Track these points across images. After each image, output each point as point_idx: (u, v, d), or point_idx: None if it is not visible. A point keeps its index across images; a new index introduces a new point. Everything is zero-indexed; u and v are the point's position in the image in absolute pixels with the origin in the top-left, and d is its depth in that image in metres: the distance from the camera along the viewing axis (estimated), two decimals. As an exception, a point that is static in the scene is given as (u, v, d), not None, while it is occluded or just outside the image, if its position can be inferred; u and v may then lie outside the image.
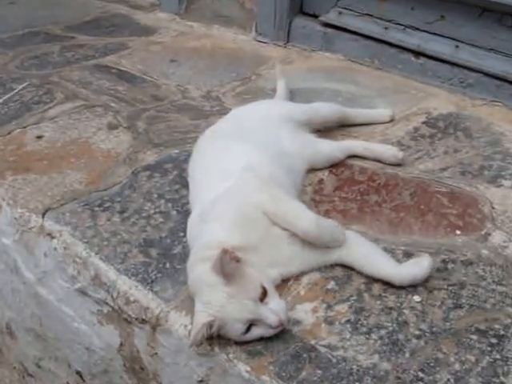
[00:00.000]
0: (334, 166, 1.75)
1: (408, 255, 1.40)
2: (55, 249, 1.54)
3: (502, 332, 1.21)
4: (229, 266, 1.16)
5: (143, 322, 1.35)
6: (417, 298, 1.29)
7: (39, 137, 1.96)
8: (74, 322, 1.57)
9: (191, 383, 1.30)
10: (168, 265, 1.42)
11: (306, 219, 1.32)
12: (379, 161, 1.76)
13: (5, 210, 1.67)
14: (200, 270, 1.21)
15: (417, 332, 1.21)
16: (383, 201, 1.61)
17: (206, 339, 1.18)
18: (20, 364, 1.95)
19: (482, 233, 1.50)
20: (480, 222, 1.54)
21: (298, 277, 1.35)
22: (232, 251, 1.17)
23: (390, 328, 1.22)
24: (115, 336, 1.46)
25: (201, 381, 1.27)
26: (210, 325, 1.16)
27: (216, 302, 1.17)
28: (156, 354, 1.36)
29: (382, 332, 1.21)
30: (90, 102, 2.19)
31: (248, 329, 1.17)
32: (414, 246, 1.44)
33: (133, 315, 1.37)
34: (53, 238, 1.55)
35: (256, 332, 1.18)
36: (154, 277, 1.39)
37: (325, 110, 1.86)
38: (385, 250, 1.40)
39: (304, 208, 1.35)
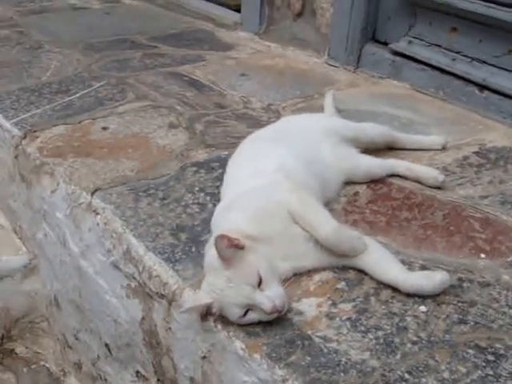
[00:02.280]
0: (374, 181, 1.79)
1: (425, 269, 1.43)
2: (97, 224, 1.67)
3: (501, 351, 1.21)
4: (225, 251, 1.23)
5: (161, 296, 1.44)
6: (423, 308, 1.31)
7: (105, 128, 2.12)
8: (107, 294, 1.68)
9: (196, 359, 1.38)
10: (194, 249, 1.51)
11: (327, 226, 1.37)
12: (420, 182, 1.79)
13: (61, 186, 1.82)
14: (212, 252, 1.28)
15: (414, 338, 1.23)
16: (413, 218, 1.64)
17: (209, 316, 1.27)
18: (62, 335, 2.09)
19: (508, 259, 1.50)
20: (508, 250, 1.53)
21: (310, 273, 1.40)
22: (234, 238, 1.25)
23: (389, 331, 1.25)
24: (139, 310, 1.56)
25: (204, 357, 1.34)
26: (209, 306, 1.25)
27: (217, 284, 1.25)
28: (170, 328, 1.45)
29: (380, 333, 1.24)
30: (158, 103, 2.34)
31: (246, 313, 1.24)
32: (434, 261, 1.46)
33: (153, 289, 1.47)
34: (97, 214, 1.68)
35: (252, 316, 1.24)
36: (178, 257, 1.48)
37: (372, 130, 1.90)
38: (403, 261, 1.43)
39: (328, 215, 1.41)
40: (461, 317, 1.29)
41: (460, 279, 1.41)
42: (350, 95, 2.48)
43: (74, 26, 3.36)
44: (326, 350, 1.20)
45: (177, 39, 3.16)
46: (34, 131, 2.09)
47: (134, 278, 1.55)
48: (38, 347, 2.21)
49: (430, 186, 1.78)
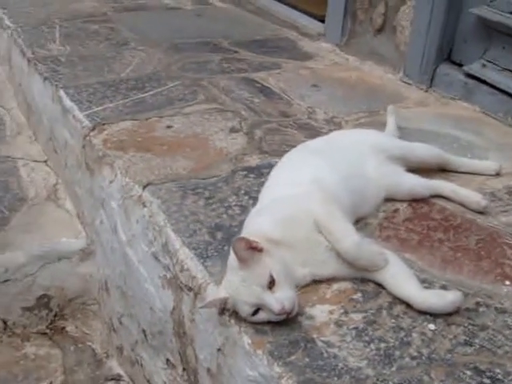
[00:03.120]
0: (417, 200, 1.86)
1: (444, 290, 1.49)
2: (144, 216, 1.83)
3: (499, 376, 1.26)
4: (241, 252, 1.35)
5: (190, 289, 1.58)
6: (432, 326, 1.38)
7: (169, 126, 2.30)
8: (146, 282, 1.84)
9: (213, 352, 1.50)
10: (226, 247, 1.63)
11: (349, 240, 1.46)
12: (463, 205, 1.84)
13: (118, 178, 2.00)
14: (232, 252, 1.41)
15: (415, 353, 1.30)
16: (447, 239, 1.69)
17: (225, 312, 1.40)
18: (109, 319, 2.27)
19: (534, 290, 1.53)
20: (537, 281, 1.57)
21: (330, 282, 1.50)
22: (254, 241, 1.37)
23: (391, 344, 1.33)
24: (171, 300, 1.71)
25: (219, 349, 1.47)
26: (225, 301, 1.38)
27: (233, 282, 1.38)
28: (194, 320, 1.58)
29: (382, 345, 1.32)
30: (225, 106, 2.49)
31: (256, 312, 1.35)
32: (455, 283, 1.52)
33: (183, 282, 1.61)
34: (144, 206, 1.84)
35: (262, 316, 1.35)
36: (210, 254, 1.61)
37: (422, 151, 1.96)
38: (425, 280, 1.50)
39: (351, 229, 1.49)
40: (468, 339, 1.35)
41: (477, 303, 1.46)
42: (417, 114, 2.53)
43: (163, 26, 3.59)
44: (325, 355, 1.30)
45: (259, 46, 3.31)
46: (103, 124, 2.29)
47: (169, 270, 1.69)
48: (87, 328, 2.41)
49: (472, 210, 1.82)
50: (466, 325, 1.39)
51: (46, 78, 2.74)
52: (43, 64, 2.89)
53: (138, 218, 1.87)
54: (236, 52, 3.19)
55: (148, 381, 2.00)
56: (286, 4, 3.79)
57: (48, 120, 2.75)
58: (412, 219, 1.78)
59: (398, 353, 1.31)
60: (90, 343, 2.37)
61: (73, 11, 3.81)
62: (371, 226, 1.74)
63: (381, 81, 2.88)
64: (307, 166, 1.70)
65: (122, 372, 2.23)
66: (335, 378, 1.24)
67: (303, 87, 2.76)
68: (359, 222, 1.73)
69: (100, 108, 2.43)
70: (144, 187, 1.90)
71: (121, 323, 2.16)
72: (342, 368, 1.26)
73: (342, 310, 1.42)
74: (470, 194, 1.84)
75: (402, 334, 1.36)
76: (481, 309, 1.45)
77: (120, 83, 2.69)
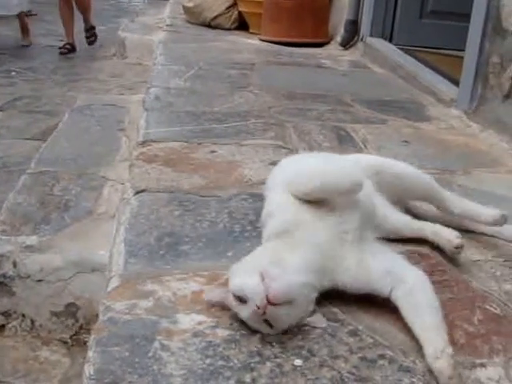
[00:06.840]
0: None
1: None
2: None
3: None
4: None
5: (106, 284, 1.56)
6: (298, 362, 1.19)
7: (212, 151, 2.31)
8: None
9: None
10: (161, 253, 1.59)
11: None
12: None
13: (126, 184, 2.06)
14: None
15: (247, 380, 1.14)
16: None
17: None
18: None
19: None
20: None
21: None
22: None
23: (231, 364, 1.17)
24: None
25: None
26: None
27: None
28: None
29: (219, 363, 1.18)
30: (286, 144, 2.42)
31: None
32: (372, 330, 1.30)
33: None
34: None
35: None
36: (140, 253, 1.58)
37: (402, 169, 1.75)
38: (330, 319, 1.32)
39: None
40: (330, 384, 1.14)
41: (382, 356, 1.24)
42: (500, 179, 2.26)
43: (297, 79, 3.67)
44: (150, 354, 1.19)
45: (381, 104, 3.19)
46: (153, 141, 2.38)
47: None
48: (109, 346, 2.44)
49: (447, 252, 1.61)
50: (343, 371, 1.18)
51: (144, 102, 2.94)
52: (151, 93, 3.10)
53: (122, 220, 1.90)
54: (351, 106, 3.11)
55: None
56: (433, 70, 3.65)
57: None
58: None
59: (228, 373, 1.15)
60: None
61: (225, 59, 4.06)
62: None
63: (488, 148, 2.61)
64: None
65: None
66: (135, 376, 1.13)
67: (391, 142, 2.59)
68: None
69: (164, 129, 2.53)
70: (137, 193, 1.93)
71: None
72: (153, 370, 1.14)
73: (213, 324, 1.29)
74: (445, 232, 1.60)
75: (256, 359, 1.19)
76: (381, 362, 1.22)
77: (205, 114, 2.77)
